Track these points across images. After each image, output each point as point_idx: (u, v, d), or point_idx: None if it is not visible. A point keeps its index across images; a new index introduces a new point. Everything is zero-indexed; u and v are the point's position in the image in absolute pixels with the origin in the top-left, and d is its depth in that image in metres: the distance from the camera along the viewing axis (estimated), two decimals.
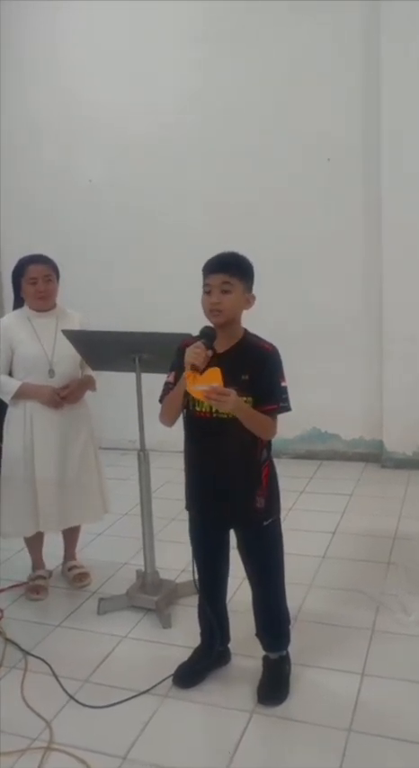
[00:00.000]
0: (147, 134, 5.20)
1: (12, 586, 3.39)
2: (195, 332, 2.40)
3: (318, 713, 2.38)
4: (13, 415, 3.21)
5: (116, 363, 3.12)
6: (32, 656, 2.80)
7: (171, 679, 2.57)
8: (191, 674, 2.57)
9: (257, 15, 4.86)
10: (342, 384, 5.04)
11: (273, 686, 2.49)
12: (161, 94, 5.15)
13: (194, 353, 2.20)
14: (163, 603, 3.06)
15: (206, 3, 4.93)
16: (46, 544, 3.44)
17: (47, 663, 2.73)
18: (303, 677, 2.57)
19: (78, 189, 5.48)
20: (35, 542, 3.40)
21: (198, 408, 2.35)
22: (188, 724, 2.40)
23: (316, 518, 4.03)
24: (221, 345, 2.29)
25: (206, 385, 2.15)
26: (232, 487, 2.38)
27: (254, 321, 2.44)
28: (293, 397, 2.36)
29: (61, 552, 3.52)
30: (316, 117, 4.84)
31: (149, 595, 3.11)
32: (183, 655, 2.66)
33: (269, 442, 2.42)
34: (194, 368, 2.18)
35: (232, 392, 2.16)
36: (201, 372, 2.18)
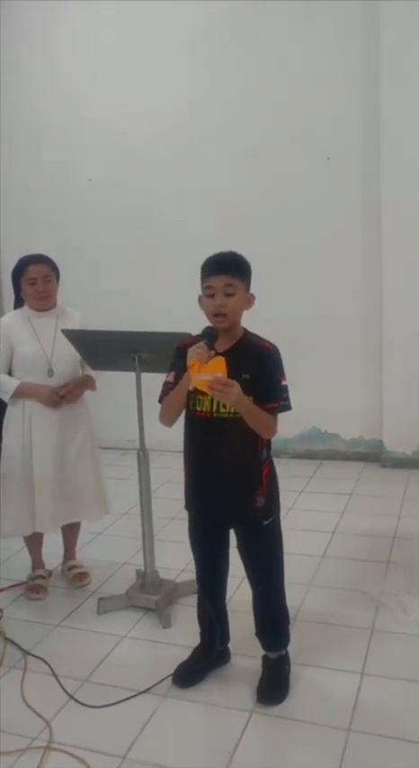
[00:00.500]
0: (146, 134, 5.20)
1: (11, 586, 3.39)
2: (195, 331, 2.40)
3: (318, 713, 2.38)
4: (12, 414, 3.21)
5: (116, 363, 3.12)
6: (32, 655, 2.80)
7: (170, 678, 2.57)
8: (191, 673, 2.58)
9: (257, 15, 4.86)
10: (341, 383, 5.04)
11: (273, 686, 2.49)
12: (161, 94, 5.14)
13: (197, 354, 2.19)
14: (162, 603, 3.06)
15: (206, 3, 4.93)
16: (46, 544, 3.44)
17: (46, 662, 2.73)
18: (303, 677, 2.58)
19: (78, 189, 5.48)
20: (35, 542, 3.40)
21: (198, 408, 2.35)
22: (188, 723, 2.40)
23: (315, 518, 4.03)
24: (222, 345, 2.29)
25: (210, 375, 2.15)
26: (232, 487, 2.38)
27: (254, 320, 2.44)
28: (293, 396, 2.36)
29: (61, 552, 3.52)
30: (316, 117, 4.84)
31: (149, 595, 3.11)
32: (183, 654, 2.66)
33: (269, 442, 2.42)
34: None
35: (235, 384, 2.16)
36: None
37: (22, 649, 2.84)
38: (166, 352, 2.50)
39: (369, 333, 4.95)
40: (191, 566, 2.66)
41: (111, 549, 3.75)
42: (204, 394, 2.22)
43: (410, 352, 4.79)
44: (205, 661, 2.59)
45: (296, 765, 2.22)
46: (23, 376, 3.16)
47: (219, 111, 5.04)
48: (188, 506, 2.51)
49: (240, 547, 2.52)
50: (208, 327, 2.31)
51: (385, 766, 2.15)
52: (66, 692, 2.56)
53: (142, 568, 3.21)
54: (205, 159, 5.10)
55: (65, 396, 3.16)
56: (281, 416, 2.35)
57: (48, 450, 3.18)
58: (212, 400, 2.31)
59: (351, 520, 4.04)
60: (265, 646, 2.57)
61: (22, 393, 3.14)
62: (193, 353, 2.19)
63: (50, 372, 3.16)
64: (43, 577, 3.39)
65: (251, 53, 4.93)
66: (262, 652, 2.57)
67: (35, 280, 3.15)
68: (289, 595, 2.60)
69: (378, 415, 4.98)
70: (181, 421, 2.42)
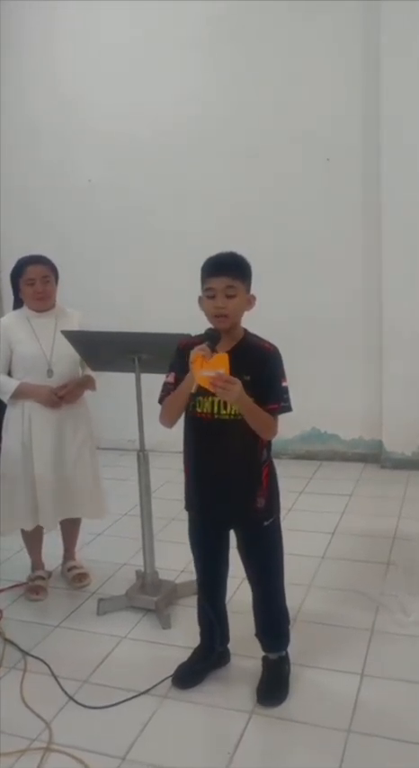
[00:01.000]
0: (146, 134, 5.19)
1: (11, 587, 3.39)
2: (194, 332, 2.40)
3: (318, 714, 2.38)
4: (11, 414, 3.21)
5: (115, 364, 3.12)
6: (32, 656, 2.80)
7: (170, 679, 2.57)
8: (191, 674, 2.57)
9: (257, 16, 4.85)
10: (341, 384, 5.04)
11: (273, 687, 2.49)
12: (160, 94, 5.14)
13: (200, 352, 2.19)
14: (162, 604, 3.06)
15: (206, 3, 4.93)
16: (45, 545, 3.44)
17: (46, 663, 2.73)
18: (302, 678, 2.57)
19: (77, 189, 5.48)
20: (34, 542, 3.40)
21: (199, 410, 2.35)
22: (187, 724, 2.40)
23: (315, 518, 4.03)
24: (223, 346, 2.28)
25: (212, 371, 2.14)
26: (232, 488, 2.38)
27: (254, 321, 2.43)
28: (293, 397, 2.36)
29: (61, 552, 3.52)
30: (316, 117, 4.84)
31: (149, 596, 3.11)
32: (183, 655, 2.66)
33: (269, 443, 2.42)
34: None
35: (237, 381, 2.15)
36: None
37: (21, 650, 2.83)
38: (166, 353, 2.50)
39: (369, 333, 4.95)
40: (191, 566, 2.66)
41: (110, 549, 3.74)
42: (206, 392, 2.22)
43: (410, 353, 4.78)
44: (205, 662, 2.59)
45: (296, 766, 2.21)
46: (23, 376, 3.16)
47: (219, 111, 5.03)
48: (188, 507, 2.51)
49: (240, 547, 2.52)
50: (210, 329, 2.31)
51: (385, 767, 2.15)
52: (65, 692, 2.56)
53: (142, 569, 3.20)
54: (205, 159, 5.09)
55: (64, 396, 3.16)
56: (281, 417, 2.35)
57: (47, 450, 3.18)
58: (213, 402, 2.31)
59: (350, 520, 4.04)
60: (265, 647, 2.57)
61: (21, 393, 3.14)
62: (196, 353, 2.19)
63: (50, 373, 3.16)
64: (43, 578, 3.39)
65: (251, 53, 4.92)
66: (261, 653, 2.57)
67: (34, 280, 3.15)
68: (289, 596, 2.60)
69: (378, 415, 4.98)
70: (181, 421, 2.41)
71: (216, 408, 2.32)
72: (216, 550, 2.54)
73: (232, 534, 2.54)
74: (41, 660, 2.76)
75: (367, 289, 4.93)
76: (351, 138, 4.83)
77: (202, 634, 2.65)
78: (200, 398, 2.32)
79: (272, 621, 2.56)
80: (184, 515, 2.54)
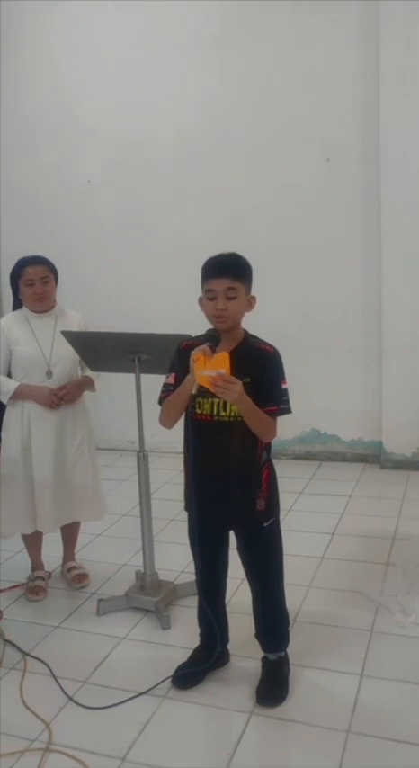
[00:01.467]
0: (146, 134, 5.19)
1: (11, 587, 3.39)
2: (194, 332, 2.40)
3: (317, 714, 2.38)
4: (11, 415, 3.21)
5: (115, 364, 3.12)
6: (31, 657, 2.80)
7: (170, 680, 2.57)
8: (191, 675, 2.57)
9: (257, 16, 4.86)
10: (341, 385, 5.04)
11: (272, 687, 2.49)
12: (160, 95, 5.15)
13: (201, 352, 2.19)
14: (162, 604, 3.06)
15: (206, 3, 4.93)
16: (45, 545, 3.44)
17: (46, 664, 2.73)
18: (302, 678, 2.57)
19: (77, 190, 5.48)
20: (34, 543, 3.40)
21: (199, 411, 2.35)
22: (187, 725, 2.40)
23: (315, 519, 4.03)
24: (223, 348, 2.28)
25: (213, 371, 2.15)
26: (232, 489, 2.38)
27: (254, 321, 2.44)
28: (292, 397, 2.36)
29: (60, 553, 3.52)
30: (315, 117, 4.84)
31: (148, 596, 3.11)
32: (182, 656, 2.66)
33: (268, 445, 2.42)
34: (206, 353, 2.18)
35: (238, 381, 2.16)
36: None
37: (21, 651, 2.83)
38: (166, 354, 2.50)
39: (369, 334, 4.95)
40: (191, 567, 2.66)
41: (110, 550, 3.75)
42: (207, 393, 2.22)
43: (410, 354, 4.79)
44: (204, 662, 2.58)
45: (295, 767, 2.22)
46: (22, 377, 3.16)
47: (219, 111, 5.04)
48: (188, 508, 2.51)
49: (240, 548, 2.53)
50: (211, 330, 2.31)
51: None
52: (65, 693, 2.56)
53: (141, 570, 3.21)
54: (205, 160, 5.09)
55: (63, 397, 3.16)
56: (281, 418, 2.35)
57: (47, 451, 3.18)
58: (213, 403, 2.31)
59: (350, 521, 4.04)
60: (265, 647, 2.57)
61: (20, 394, 3.14)
62: (197, 353, 2.19)
63: (49, 374, 3.16)
64: (43, 579, 3.39)
65: (251, 53, 4.92)
66: (261, 653, 2.57)
67: (33, 281, 3.15)
68: (289, 597, 2.60)
69: (378, 416, 4.98)
70: (181, 422, 2.42)
71: (216, 410, 2.32)
72: (216, 551, 2.54)
73: (232, 535, 2.54)
74: (41, 661, 2.76)
75: (367, 289, 4.93)
76: (351, 139, 4.83)
77: (202, 634, 2.65)
78: (200, 400, 2.32)
79: (272, 622, 2.56)
80: (184, 516, 2.54)
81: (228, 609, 2.67)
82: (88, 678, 2.65)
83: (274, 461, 2.48)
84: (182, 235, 5.14)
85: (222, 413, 2.31)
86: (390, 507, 4.19)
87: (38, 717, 2.43)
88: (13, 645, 2.88)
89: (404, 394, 4.84)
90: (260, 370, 2.30)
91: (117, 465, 4.87)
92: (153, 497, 3.18)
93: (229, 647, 2.69)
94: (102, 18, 5.22)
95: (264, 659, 2.56)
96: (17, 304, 3.28)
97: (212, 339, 2.25)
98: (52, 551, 3.50)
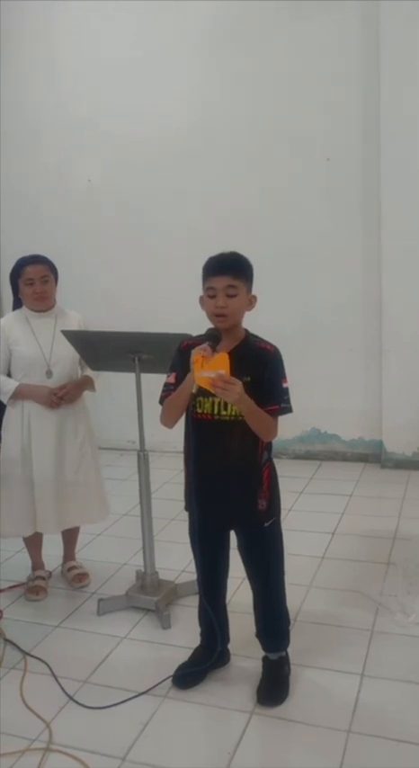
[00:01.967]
0: (146, 134, 5.19)
1: (11, 587, 3.39)
2: (195, 332, 2.40)
3: (318, 714, 2.38)
4: (11, 415, 3.21)
5: (115, 364, 3.12)
6: (32, 656, 2.80)
7: (170, 680, 2.57)
8: (191, 674, 2.57)
9: (257, 16, 4.85)
10: (341, 384, 5.04)
11: (273, 687, 2.49)
12: (160, 94, 5.14)
13: (201, 352, 2.19)
14: (162, 604, 3.06)
15: (206, 3, 4.93)
16: (45, 545, 3.44)
17: (46, 663, 2.73)
18: (303, 678, 2.57)
19: (77, 189, 5.48)
20: (34, 543, 3.40)
21: (200, 410, 2.35)
22: (187, 725, 2.40)
23: (315, 518, 4.03)
24: (223, 347, 2.28)
25: (212, 372, 2.14)
26: (233, 489, 2.38)
27: (254, 321, 2.44)
28: (293, 397, 2.36)
29: (60, 553, 3.51)
30: (315, 117, 4.84)
31: (149, 596, 3.10)
32: (183, 655, 2.66)
33: (269, 444, 2.41)
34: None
35: (238, 381, 2.15)
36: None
37: (21, 650, 2.83)
38: (166, 353, 2.50)
39: (369, 333, 4.95)
40: (191, 566, 2.66)
41: (110, 549, 3.74)
42: (207, 392, 2.22)
43: (410, 353, 4.79)
44: (205, 662, 2.58)
45: (296, 767, 2.22)
46: (22, 377, 3.16)
47: (219, 111, 5.04)
48: (188, 507, 2.51)
49: (240, 548, 2.53)
50: (211, 329, 2.31)
51: None
52: (65, 693, 2.56)
53: (142, 569, 3.20)
54: (205, 159, 5.09)
55: (63, 396, 3.16)
56: (281, 417, 2.35)
57: (47, 451, 3.18)
58: (213, 402, 2.31)
59: (351, 521, 4.04)
60: (265, 647, 2.57)
61: (20, 394, 3.14)
62: (197, 353, 2.19)
63: (49, 373, 3.16)
64: (43, 578, 3.39)
65: (251, 53, 4.92)
66: (262, 653, 2.57)
67: (33, 280, 3.15)
68: (289, 596, 2.60)
69: (378, 415, 4.98)
70: (181, 422, 2.41)
71: (216, 409, 2.32)
72: (216, 551, 2.54)
73: (232, 534, 2.54)
74: (41, 660, 2.76)
75: (367, 288, 4.93)
76: (351, 138, 4.83)
77: (202, 634, 2.65)
78: (201, 399, 2.32)
79: (273, 622, 2.56)
80: (184, 515, 2.54)
81: (229, 608, 2.67)
82: (88, 678, 2.65)
83: (275, 461, 2.48)
84: (182, 234, 5.13)
85: (223, 412, 2.31)
86: (391, 507, 4.19)
87: (38, 716, 2.43)
88: (14, 644, 2.88)
89: (404, 393, 4.84)
90: (260, 369, 2.30)
91: (117, 464, 4.87)
92: (153, 497, 3.17)
93: (230, 646, 2.68)
94: (102, 18, 5.21)
95: (265, 659, 2.56)
96: (17, 303, 3.28)
97: (213, 338, 2.25)
98: (52, 551, 3.50)
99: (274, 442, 2.44)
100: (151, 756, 2.23)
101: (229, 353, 2.22)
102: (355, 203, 4.89)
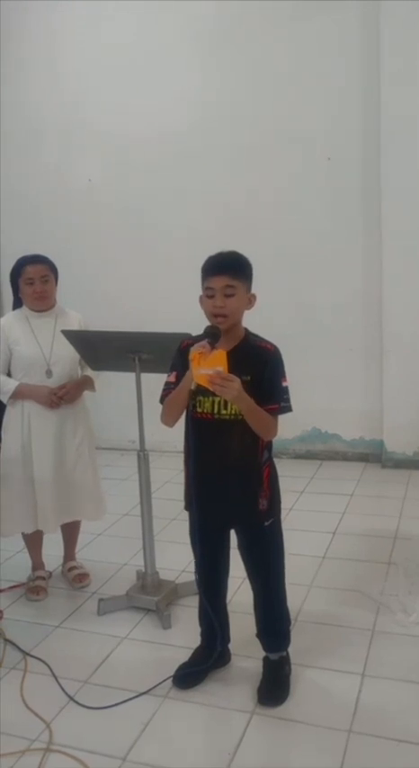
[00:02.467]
0: (146, 134, 5.19)
1: (12, 587, 3.39)
2: (195, 332, 2.39)
3: (319, 714, 2.38)
4: (11, 415, 3.21)
5: (115, 363, 3.12)
6: (32, 656, 2.79)
7: (171, 680, 2.56)
8: (192, 674, 2.57)
9: (257, 15, 4.85)
10: (342, 384, 5.04)
11: (273, 687, 2.49)
12: (161, 94, 5.14)
13: (199, 348, 2.19)
14: (163, 604, 3.06)
15: (206, 3, 4.93)
16: (46, 545, 3.44)
17: (46, 664, 2.73)
18: (303, 678, 2.57)
19: (78, 189, 5.48)
20: (35, 543, 3.40)
21: (199, 409, 2.34)
22: (188, 725, 2.40)
23: (316, 518, 4.02)
24: (223, 346, 2.27)
25: (210, 369, 2.14)
26: (233, 489, 2.38)
27: (254, 321, 2.43)
28: (293, 396, 2.35)
29: (61, 553, 3.51)
30: (316, 116, 4.84)
31: (149, 596, 3.10)
32: (183, 655, 2.65)
33: (269, 443, 2.41)
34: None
35: (236, 378, 2.15)
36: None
37: (22, 650, 2.83)
38: (166, 353, 2.50)
39: (370, 333, 4.95)
40: (192, 566, 2.65)
41: (111, 549, 3.74)
42: (206, 391, 2.22)
43: (410, 353, 4.78)
44: (205, 662, 2.58)
45: (296, 767, 2.21)
46: (22, 377, 3.16)
47: (220, 111, 5.04)
48: (188, 507, 2.50)
49: (241, 547, 2.52)
50: (210, 326, 2.30)
51: None
52: (66, 693, 2.55)
53: (142, 569, 3.20)
54: (205, 159, 5.09)
55: (63, 396, 3.15)
56: (282, 417, 2.34)
57: (47, 450, 3.17)
58: (213, 401, 2.31)
59: (351, 520, 4.03)
60: (266, 647, 2.56)
61: (20, 394, 3.14)
62: (195, 350, 2.19)
63: (49, 373, 3.16)
64: (43, 578, 3.39)
65: (251, 53, 4.92)
66: (262, 653, 2.57)
67: (33, 280, 3.15)
68: (290, 596, 2.60)
69: (379, 415, 4.98)
70: (182, 421, 2.41)
71: (216, 408, 2.32)
72: (216, 550, 2.54)
73: (233, 534, 2.54)
74: (42, 660, 2.75)
75: (367, 288, 4.93)
76: (351, 138, 4.83)
77: (203, 634, 2.65)
78: (201, 398, 2.32)
79: (273, 621, 2.56)
80: (185, 515, 2.53)
81: (229, 608, 2.66)
82: (89, 678, 2.65)
83: (275, 460, 2.48)
84: (182, 234, 5.13)
85: (223, 411, 2.31)
86: (391, 506, 4.19)
87: (38, 717, 2.42)
88: (14, 645, 2.87)
89: (404, 393, 4.83)
90: (260, 368, 2.30)
91: (117, 464, 4.87)
92: (154, 497, 3.17)
93: (230, 646, 2.68)
94: (104, 18, 5.21)
95: (265, 659, 2.56)
96: (17, 303, 3.28)
97: (212, 335, 2.25)
98: (53, 551, 3.49)
99: (275, 441, 2.44)
100: (152, 757, 2.22)
101: (229, 353, 2.22)
102: (355, 203, 4.89)
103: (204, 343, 2.21)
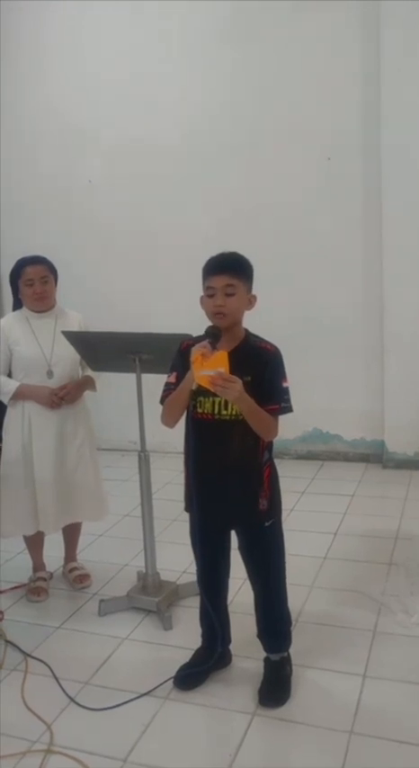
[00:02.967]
0: (146, 134, 5.19)
1: (12, 588, 3.39)
2: (195, 332, 2.39)
3: (320, 715, 2.37)
4: (11, 415, 3.21)
5: (116, 364, 3.11)
6: (33, 657, 2.79)
7: (172, 681, 2.56)
8: (192, 675, 2.57)
9: (257, 15, 4.85)
10: (343, 384, 5.04)
11: (274, 688, 2.48)
12: (161, 95, 5.14)
13: (200, 349, 2.19)
14: (164, 605, 3.05)
15: (205, 3, 4.93)
16: (46, 546, 3.43)
17: (47, 665, 2.73)
18: (304, 679, 2.57)
19: (78, 189, 5.48)
20: (36, 544, 3.39)
21: (200, 410, 2.34)
22: (189, 726, 2.39)
23: (317, 519, 4.02)
24: (224, 347, 2.27)
25: (212, 370, 2.14)
26: (233, 489, 2.37)
27: (255, 321, 2.43)
28: (294, 397, 2.35)
29: (62, 554, 3.51)
30: (316, 116, 4.84)
31: (150, 597, 3.10)
32: (184, 656, 2.65)
33: (270, 444, 2.41)
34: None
35: (237, 379, 2.15)
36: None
37: (22, 652, 2.83)
38: (166, 354, 2.49)
39: (370, 333, 4.95)
40: (193, 567, 2.66)
41: (111, 550, 3.74)
42: (207, 392, 2.22)
43: (411, 353, 4.78)
44: (206, 663, 2.58)
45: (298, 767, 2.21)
46: (23, 377, 3.16)
47: (219, 111, 5.04)
48: (189, 508, 2.50)
49: (241, 548, 2.52)
50: (211, 327, 2.30)
51: None
52: (66, 694, 2.55)
53: (143, 570, 3.20)
54: (205, 160, 5.09)
55: (64, 397, 3.15)
56: (282, 417, 2.34)
57: (48, 451, 3.17)
58: (214, 402, 2.31)
59: (352, 521, 4.03)
60: (267, 648, 2.56)
61: (21, 395, 3.14)
62: (196, 351, 2.19)
63: (50, 374, 3.16)
64: (44, 579, 3.39)
65: (250, 53, 4.92)
66: (263, 654, 2.56)
67: (33, 281, 3.14)
68: (291, 597, 2.59)
69: (380, 415, 4.97)
70: (182, 422, 2.41)
71: (217, 409, 2.32)
72: (217, 551, 2.53)
73: (233, 535, 2.53)
74: (43, 662, 2.75)
75: (368, 288, 4.92)
76: (352, 138, 4.82)
77: (204, 635, 2.65)
78: (202, 399, 2.32)
79: (274, 622, 2.55)
80: (186, 516, 2.54)
81: (230, 609, 2.66)
82: (90, 679, 2.65)
83: (276, 461, 2.47)
84: (182, 235, 5.13)
85: (223, 412, 2.30)
86: (393, 507, 4.18)
87: (39, 718, 2.42)
88: (15, 646, 2.87)
89: (405, 393, 4.83)
90: (261, 368, 2.30)
91: (118, 465, 4.87)
92: (154, 497, 3.17)
93: (231, 647, 2.68)
94: (102, 18, 5.22)
95: (266, 660, 2.56)
96: (17, 304, 3.28)
97: (212, 336, 2.25)
98: (54, 552, 3.49)
99: (276, 442, 2.43)
100: (152, 758, 2.22)
101: (229, 353, 2.21)
102: (356, 202, 4.89)
103: (205, 343, 2.21)
